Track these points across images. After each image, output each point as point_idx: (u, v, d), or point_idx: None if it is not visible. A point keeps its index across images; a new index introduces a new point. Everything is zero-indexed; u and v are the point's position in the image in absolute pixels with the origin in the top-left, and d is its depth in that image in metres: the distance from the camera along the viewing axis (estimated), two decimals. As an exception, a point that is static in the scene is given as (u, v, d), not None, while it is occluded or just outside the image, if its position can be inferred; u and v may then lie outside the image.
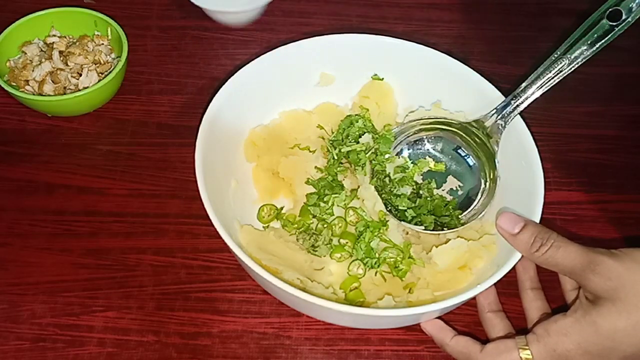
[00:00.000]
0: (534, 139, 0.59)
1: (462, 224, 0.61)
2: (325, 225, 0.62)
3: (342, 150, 0.64)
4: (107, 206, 0.66)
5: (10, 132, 0.71)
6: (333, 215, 0.63)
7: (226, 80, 0.62)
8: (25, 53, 0.74)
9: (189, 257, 0.64)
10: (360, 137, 0.65)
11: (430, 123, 0.64)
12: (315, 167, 0.65)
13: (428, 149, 0.66)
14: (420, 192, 0.64)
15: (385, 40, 0.66)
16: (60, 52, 0.74)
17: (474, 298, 0.57)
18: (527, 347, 0.52)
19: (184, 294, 0.61)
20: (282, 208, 0.65)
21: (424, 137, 0.65)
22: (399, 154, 0.65)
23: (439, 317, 0.58)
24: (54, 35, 0.76)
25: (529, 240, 0.52)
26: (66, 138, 0.71)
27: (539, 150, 0.58)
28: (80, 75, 0.72)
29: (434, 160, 0.65)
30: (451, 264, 0.60)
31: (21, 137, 0.71)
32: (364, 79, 0.69)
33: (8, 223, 0.65)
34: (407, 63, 0.67)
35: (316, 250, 0.61)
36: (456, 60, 0.65)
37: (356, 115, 0.67)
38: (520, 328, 0.58)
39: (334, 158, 0.65)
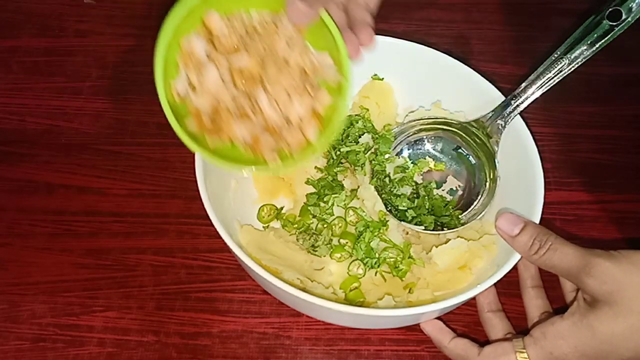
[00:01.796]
0: (534, 139, 0.59)
1: (462, 224, 0.61)
2: (325, 225, 0.62)
3: (342, 151, 0.64)
4: (107, 206, 0.66)
5: (10, 132, 0.71)
6: (333, 215, 0.63)
7: (226, 80, 0.62)
8: (200, 82, 0.49)
9: (189, 257, 0.64)
10: (360, 137, 0.65)
11: (430, 123, 0.64)
12: (315, 167, 0.65)
13: (428, 149, 0.66)
14: (420, 192, 0.64)
15: (385, 40, 0.66)
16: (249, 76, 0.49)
17: (473, 298, 0.57)
18: (524, 350, 0.52)
19: (184, 294, 0.61)
20: (282, 208, 0.65)
21: (424, 137, 0.65)
22: (399, 154, 0.65)
23: (438, 317, 0.58)
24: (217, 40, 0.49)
25: (528, 242, 0.52)
26: (66, 138, 0.71)
27: (539, 150, 0.59)
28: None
29: (434, 160, 0.65)
30: (451, 264, 0.60)
31: (21, 137, 0.71)
32: (364, 79, 0.69)
33: (8, 223, 0.65)
34: (407, 63, 0.67)
35: (316, 250, 0.61)
36: (456, 60, 0.65)
37: (356, 115, 0.67)
38: (520, 328, 0.58)
39: (333, 158, 0.65)
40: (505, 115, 0.60)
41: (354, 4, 0.54)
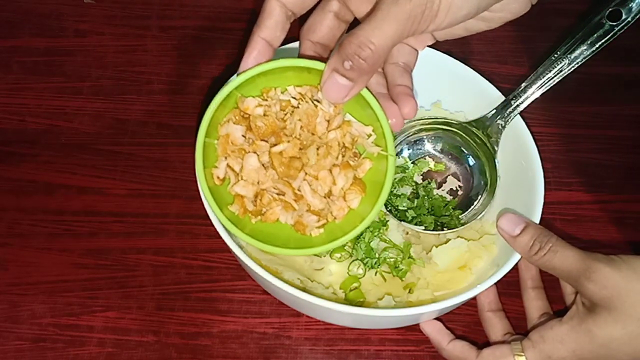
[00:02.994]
0: (534, 139, 0.59)
1: (462, 224, 0.61)
2: (325, 225, 0.62)
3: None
4: (107, 206, 0.66)
5: (10, 132, 0.71)
6: (333, 215, 0.63)
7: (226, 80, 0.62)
8: (241, 169, 0.49)
9: (189, 257, 0.64)
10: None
11: (430, 123, 0.64)
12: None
13: (428, 149, 0.66)
14: (420, 192, 0.64)
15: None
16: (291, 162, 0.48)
17: (474, 298, 0.57)
18: (522, 354, 0.52)
19: (184, 294, 0.61)
20: (282, 208, 0.65)
21: (424, 137, 0.65)
22: (398, 154, 0.65)
23: (438, 318, 0.58)
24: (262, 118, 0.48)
25: (528, 242, 0.52)
26: (66, 138, 0.71)
27: (539, 150, 0.59)
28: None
29: (434, 160, 0.65)
30: (451, 264, 0.60)
31: (21, 137, 0.71)
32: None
33: (8, 223, 0.65)
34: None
35: (316, 250, 0.61)
36: (456, 60, 0.65)
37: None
38: (520, 328, 0.58)
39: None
40: (505, 115, 0.60)
41: (393, 64, 0.51)
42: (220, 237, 0.52)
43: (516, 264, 0.53)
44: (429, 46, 0.65)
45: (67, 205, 0.66)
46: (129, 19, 0.80)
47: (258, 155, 0.48)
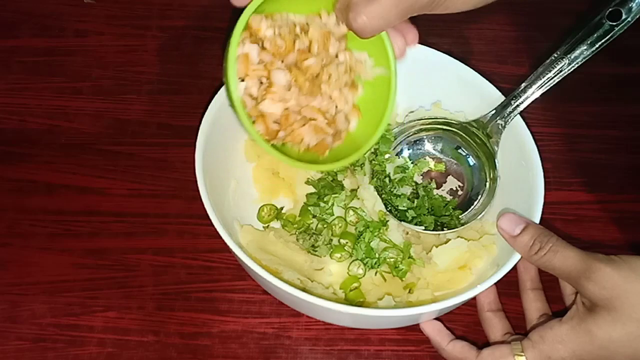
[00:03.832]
0: (534, 139, 0.59)
1: (462, 224, 0.61)
2: (325, 225, 0.62)
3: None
4: (107, 206, 0.66)
5: (10, 132, 0.71)
6: (333, 215, 0.63)
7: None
8: (267, 87, 0.48)
9: (189, 257, 0.64)
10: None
11: (430, 123, 0.64)
12: (316, 167, 0.65)
13: (428, 149, 0.66)
14: (420, 192, 0.64)
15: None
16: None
17: (474, 298, 0.57)
18: (522, 354, 0.52)
19: (184, 294, 0.61)
20: (282, 208, 0.65)
21: (424, 137, 0.65)
22: (399, 154, 0.65)
23: (438, 318, 0.58)
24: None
25: (529, 242, 0.52)
26: (66, 138, 0.71)
27: (539, 150, 0.59)
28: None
29: (434, 160, 0.65)
30: (451, 264, 0.60)
31: (21, 137, 0.71)
32: (363, 79, 0.69)
33: (8, 223, 0.65)
34: (407, 63, 0.67)
35: (316, 250, 0.61)
36: (456, 60, 0.65)
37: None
38: (519, 328, 0.58)
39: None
40: (505, 115, 0.60)
41: None
42: (220, 237, 0.52)
43: (516, 264, 0.53)
44: (428, 46, 0.65)
45: (67, 205, 0.66)
46: (129, 19, 0.80)
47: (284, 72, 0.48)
